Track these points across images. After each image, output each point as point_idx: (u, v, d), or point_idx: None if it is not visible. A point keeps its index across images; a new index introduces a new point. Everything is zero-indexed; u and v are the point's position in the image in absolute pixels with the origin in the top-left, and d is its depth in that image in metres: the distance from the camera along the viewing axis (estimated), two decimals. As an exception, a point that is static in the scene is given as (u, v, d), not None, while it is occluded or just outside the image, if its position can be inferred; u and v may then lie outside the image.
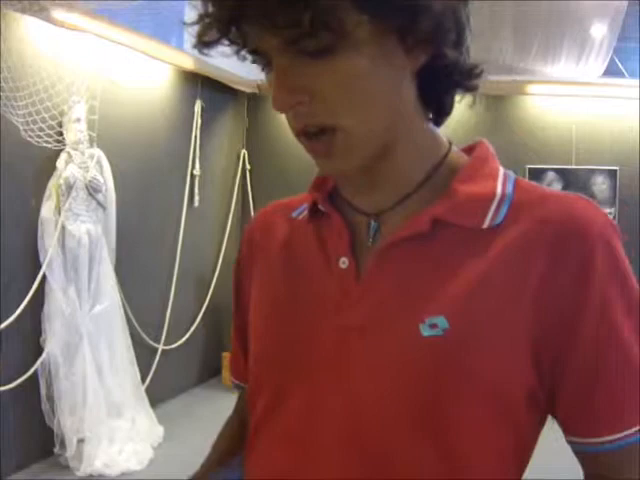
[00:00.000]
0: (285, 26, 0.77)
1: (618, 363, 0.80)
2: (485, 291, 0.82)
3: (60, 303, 4.20)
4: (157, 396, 5.15)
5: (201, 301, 5.99)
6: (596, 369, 0.81)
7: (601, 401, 0.82)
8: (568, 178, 5.79)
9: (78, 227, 4.35)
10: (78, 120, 4.32)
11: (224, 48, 0.84)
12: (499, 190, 0.87)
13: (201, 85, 5.72)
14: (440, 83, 0.88)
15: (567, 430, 0.86)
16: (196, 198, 5.80)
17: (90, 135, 4.45)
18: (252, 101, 6.52)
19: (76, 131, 4.30)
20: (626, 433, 0.80)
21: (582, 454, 0.87)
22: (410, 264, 0.87)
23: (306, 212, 0.98)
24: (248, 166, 6.50)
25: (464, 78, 0.89)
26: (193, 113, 5.69)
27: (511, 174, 0.90)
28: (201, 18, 0.82)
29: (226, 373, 6.13)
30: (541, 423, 0.88)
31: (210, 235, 6.23)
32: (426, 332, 0.82)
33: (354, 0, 0.76)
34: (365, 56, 0.80)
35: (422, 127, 0.90)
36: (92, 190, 4.45)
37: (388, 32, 0.80)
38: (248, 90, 6.38)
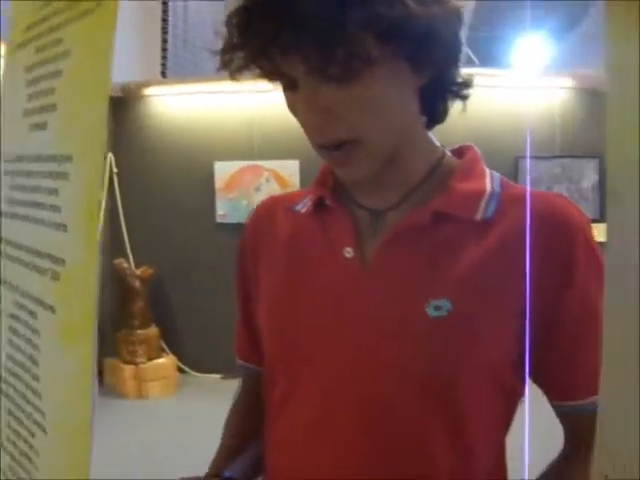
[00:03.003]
0: (319, 58, 0.85)
1: (597, 334, 0.96)
2: (482, 276, 0.94)
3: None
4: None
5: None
6: (578, 342, 0.93)
7: (585, 366, 0.94)
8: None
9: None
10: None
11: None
12: (488, 187, 0.99)
13: (66, 91, 5.63)
14: (438, 94, 1.01)
15: (553, 395, 0.99)
16: (66, 205, 5.70)
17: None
18: (117, 105, 6.45)
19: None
20: None
21: (566, 416, 1.00)
22: (413, 252, 0.97)
23: (309, 206, 1.07)
24: (115, 169, 6.44)
25: (459, 89, 1.02)
26: (60, 119, 5.59)
27: (496, 174, 1.03)
28: (232, 47, 0.90)
29: (110, 379, 6.09)
30: (524, 384, 0.99)
31: (82, 241, 6.13)
32: (432, 313, 0.93)
33: (378, 34, 0.85)
34: (382, 79, 0.90)
35: (422, 134, 1.02)
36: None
37: (402, 59, 0.90)
38: (113, 94, 6.33)
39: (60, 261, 0.71)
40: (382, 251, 0.99)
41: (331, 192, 1.06)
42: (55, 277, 0.72)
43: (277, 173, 6.01)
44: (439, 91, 1.01)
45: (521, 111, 5.90)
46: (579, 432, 0.98)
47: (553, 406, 1.01)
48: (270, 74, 0.93)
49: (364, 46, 0.85)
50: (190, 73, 7.31)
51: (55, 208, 0.72)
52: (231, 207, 6.15)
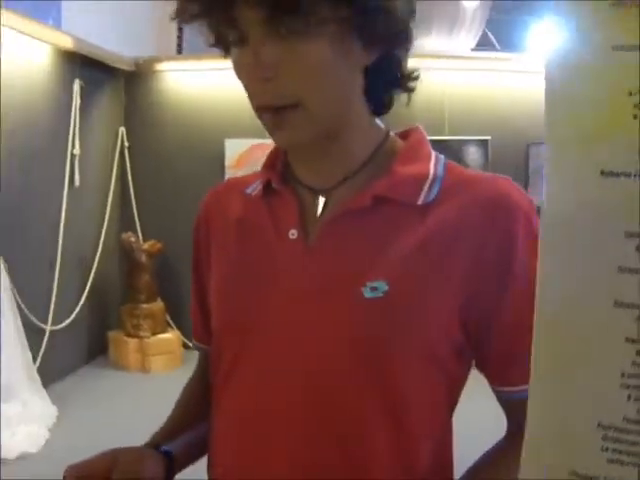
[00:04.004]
0: (272, 9, 0.87)
1: None
2: (420, 259, 0.95)
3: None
4: (48, 377, 5.12)
5: (84, 280, 5.95)
6: (517, 327, 0.92)
7: (522, 351, 0.91)
8: (441, 148, 5.99)
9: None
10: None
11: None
12: (431, 171, 1.00)
13: (80, 64, 5.66)
14: (383, 82, 1.02)
15: (493, 380, 1.00)
16: (76, 177, 5.73)
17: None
18: (130, 79, 6.47)
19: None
20: None
21: (505, 402, 1.01)
22: (353, 235, 0.99)
23: (259, 189, 1.08)
24: (127, 143, 6.47)
25: (404, 79, 1.03)
26: (72, 92, 5.63)
27: (441, 157, 1.04)
28: None
29: (114, 351, 6.16)
30: (468, 370, 1.02)
31: (91, 214, 6.17)
32: (367, 294, 0.94)
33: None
34: (329, 45, 0.91)
35: (365, 114, 1.03)
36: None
37: (352, 27, 0.91)
38: (126, 68, 6.35)
39: None
40: (323, 233, 1.01)
41: (279, 174, 1.08)
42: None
43: (287, 152, 5.98)
44: (385, 76, 1.02)
45: (537, 97, 5.87)
46: (517, 418, 0.97)
47: (494, 391, 1.02)
48: (222, 25, 0.93)
49: (317, 4, 0.87)
50: (206, 51, 7.30)
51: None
52: (240, 185, 6.15)
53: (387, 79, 1.02)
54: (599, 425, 0.50)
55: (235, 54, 0.95)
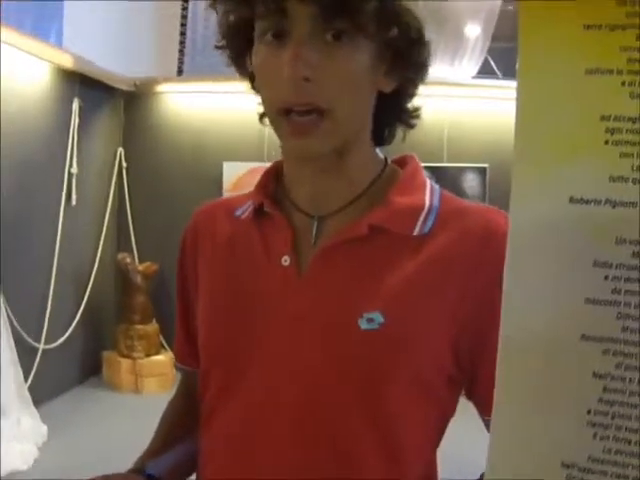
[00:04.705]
0: (327, 12, 0.88)
1: None
2: (415, 290, 0.94)
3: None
4: (40, 395, 5.07)
5: (79, 300, 5.92)
6: None
7: None
8: (440, 175, 6.02)
9: (-44, 227, 4.27)
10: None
11: None
12: (427, 202, 0.99)
13: (79, 83, 5.67)
14: (390, 113, 1.03)
15: (485, 410, 0.98)
16: (73, 197, 5.73)
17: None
18: (129, 99, 6.49)
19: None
20: None
21: None
22: (348, 264, 0.97)
23: (250, 212, 1.06)
24: (125, 164, 6.47)
25: (408, 115, 1.04)
26: (71, 111, 5.64)
27: (437, 187, 1.03)
28: None
29: (107, 372, 6.12)
30: (458, 397, 1.00)
31: (87, 233, 6.16)
32: (364, 325, 0.93)
33: (383, 14, 0.90)
34: (367, 60, 0.93)
35: (369, 141, 1.03)
36: (-30, 189, 4.37)
37: (389, 50, 0.95)
38: (126, 88, 6.36)
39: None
40: (317, 261, 0.99)
41: (271, 198, 1.05)
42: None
43: (285, 176, 5.99)
44: (393, 107, 1.03)
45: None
46: None
47: (483, 420, 1.00)
48: (270, 15, 0.91)
49: (367, 15, 0.89)
50: (206, 74, 7.33)
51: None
52: (238, 208, 6.15)
53: (393, 111, 1.04)
54: (562, 464, 0.47)
55: (264, 51, 0.94)
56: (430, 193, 1.02)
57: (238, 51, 1.00)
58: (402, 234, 0.97)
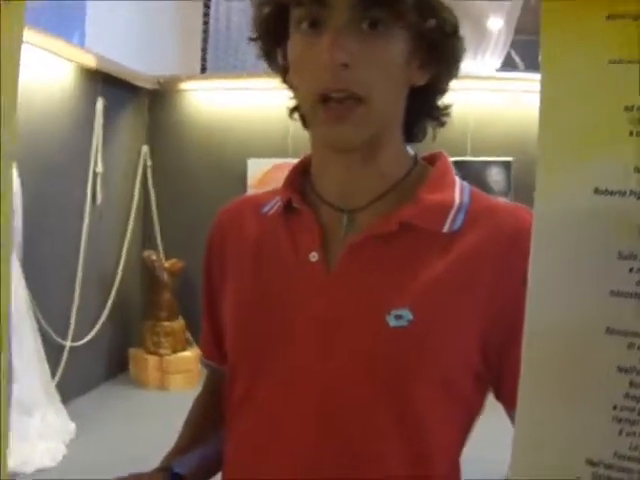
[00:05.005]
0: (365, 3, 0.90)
1: None
2: (444, 288, 0.94)
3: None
4: (67, 393, 5.11)
5: (106, 297, 5.96)
6: None
7: None
8: (464, 169, 5.97)
9: (-17, 227, 4.30)
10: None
11: None
12: (457, 199, 0.99)
13: (103, 83, 5.70)
14: (420, 109, 1.03)
15: (513, 406, 1.00)
16: (99, 195, 5.75)
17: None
18: (153, 97, 6.51)
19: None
20: None
21: None
22: (377, 260, 0.97)
23: (277, 208, 1.06)
24: (149, 162, 6.50)
25: (439, 112, 1.04)
26: (95, 111, 5.66)
27: (466, 185, 1.03)
28: None
29: (134, 368, 6.16)
30: (485, 399, 1.00)
31: (113, 232, 6.19)
32: (392, 323, 0.93)
33: (420, 4, 0.92)
34: (403, 50, 0.95)
35: (400, 137, 1.03)
36: (-3, 189, 4.41)
37: (426, 42, 0.96)
38: (149, 87, 6.38)
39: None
40: (346, 257, 0.99)
41: (299, 194, 1.05)
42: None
43: (310, 172, 5.98)
44: (424, 103, 1.04)
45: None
46: None
47: (510, 418, 0.99)
48: (305, 3, 0.93)
49: (406, 6, 0.91)
50: (230, 71, 7.35)
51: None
52: (262, 204, 6.15)
53: (424, 107, 1.04)
54: (588, 461, 0.47)
55: (301, 40, 0.95)
56: (460, 190, 1.01)
57: (271, 44, 1.02)
58: (432, 231, 0.97)
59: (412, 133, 1.06)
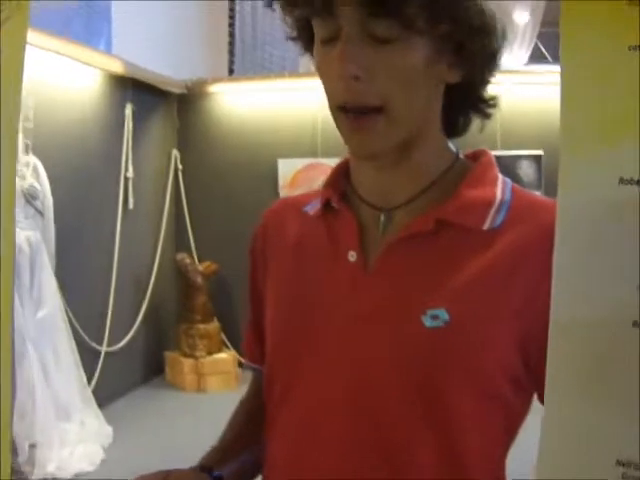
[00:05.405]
0: (371, 6, 0.87)
1: None
2: (482, 287, 0.92)
3: (5, 311, 4.19)
4: (104, 397, 5.16)
5: (140, 302, 6.00)
6: None
7: None
8: (494, 163, 5.86)
9: (17, 235, 4.35)
10: (14, 129, 4.31)
11: None
12: (498, 196, 0.97)
13: (131, 88, 5.74)
14: (462, 103, 1.01)
15: None
16: (130, 200, 5.80)
17: (25, 143, 4.44)
18: (182, 102, 6.54)
19: (12, 140, 4.29)
20: None
21: None
22: (415, 259, 0.96)
23: (318, 208, 1.06)
24: (180, 166, 6.53)
25: (484, 105, 1.02)
26: (124, 116, 5.70)
27: (508, 181, 1.01)
28: None
29: (170, 372, 6.19)
30: (528, 403, 0.97)
31: (146, 236, 6.24)
32: (428, 323, 0.91)
33: (432, 9, 0.88)
34: (422, 55, 0.91)
35: (439, 134, 1.01)
36: (30, 197, 4.45)
37: (450, 43, 0.93)
38: (177, 91, 6.42)
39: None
40: (384, 257, 0.98)
41: (339, 193, 1.05)
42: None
43: (340, 171, 5.98)
44: (465, 97, 1.01)
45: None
46: None
47: None
48: (319, 17, 0.93)
49: (417, 16, 0.88)
50: (258, 72, 7.36)
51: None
52: (293, 205, 6.16)
53: (466, 101, 1.02)
54: (618, 462, 0.45)
55: (321, 50, 0.95)
56: (502, 187, 0.99)
57: (306, 45, 1.00)
58: (471, 228, 0.96)
59: (456, 128, 1.04)
